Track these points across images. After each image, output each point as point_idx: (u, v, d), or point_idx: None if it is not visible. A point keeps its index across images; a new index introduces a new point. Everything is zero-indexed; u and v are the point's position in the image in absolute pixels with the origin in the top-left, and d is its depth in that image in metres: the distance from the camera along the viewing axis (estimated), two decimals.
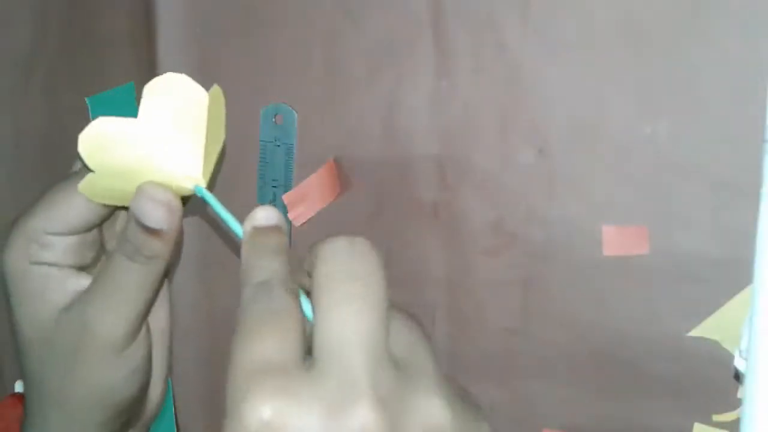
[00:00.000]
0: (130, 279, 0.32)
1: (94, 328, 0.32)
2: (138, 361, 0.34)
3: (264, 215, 0.27)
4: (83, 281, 0.33)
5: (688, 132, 0.37)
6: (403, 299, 0.45)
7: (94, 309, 0.32)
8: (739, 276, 0.36)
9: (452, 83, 0.42)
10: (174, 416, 0.51)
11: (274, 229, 0.27)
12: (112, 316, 0.32)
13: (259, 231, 0.27)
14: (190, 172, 0.30)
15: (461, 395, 0.23)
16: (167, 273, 0.34)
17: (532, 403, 0.41)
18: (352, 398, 0.20)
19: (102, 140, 0.29)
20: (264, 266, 0.25)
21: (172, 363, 0.51)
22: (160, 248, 0.31)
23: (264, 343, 0.22)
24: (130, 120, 0.29)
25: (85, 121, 0.29)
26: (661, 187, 0.38)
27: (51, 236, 0.33)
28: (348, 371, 0.21)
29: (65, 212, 0.32)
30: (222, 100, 0.32)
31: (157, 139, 0.29)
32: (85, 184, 0.31)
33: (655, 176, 0.38)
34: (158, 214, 0.30)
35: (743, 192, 0.36)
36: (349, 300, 0.22)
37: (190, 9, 0.49)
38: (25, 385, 0.35)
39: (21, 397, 0.51)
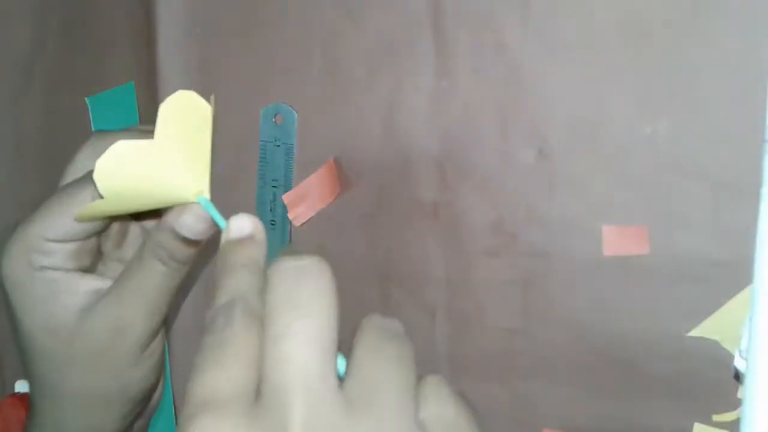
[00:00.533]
0: (163, 282, 0.33)
1: (127, 328, 0.33)
2: (158, 355, 0.35)
3: (236, 225, 0.26)
4: (93, 282, 0.34)
5: (688, 132, 0.37)
6: (403, 299, 0.45)
7: (126, 309, 0.33)
8: (739, 276, 0.36)
9: (452, 83, 0.42)
10: (174, 416, 0.51)
11: (247, 241, 0.26)
12: (143, 317, 0.33)
13: (230, 244, 0.26)
14: (198, 185, 0.31)
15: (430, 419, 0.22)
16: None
17: (532, 403, 0.41)
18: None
19: (118, 165, 0.29)
20: (229, 285, 0.25)
21: (173, 363, 0.51)
22: (192, 254, 0.33)
23: (213, 375, 0.21)
24: (146, 142, 0.30)
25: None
26: (661, 187, 0.38)
27: (51, 243, 0.33)
28: (283, 412, 0.20)
29: (65, 220, 0.33)
30: (212, 109, 0.33)
31: (170, 158, 0.30)
32: (87, 210, 0.31)
33: (655, 176, 0.38)
34: (200, 228, 0.31)
35: (743, 192, 0.36)
36: (289, 332, 0.21)
37: (190, 9, 0.49)
38: (35, 388, 0.35)
39: (21, 398, 0.51)
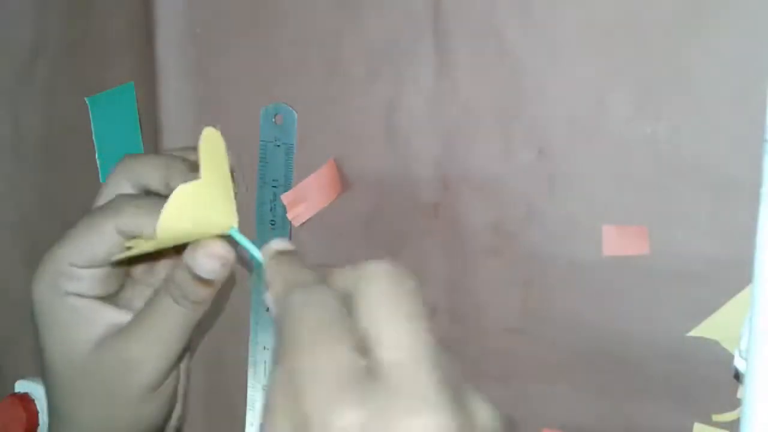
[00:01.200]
0: (176, 321, 0.33)
1: (137, 367, 0.33)
2: (170, 394, 0.35)
3: (282, 243, 0.29)
4: (113, 314, 0.34)
5: (688, 132, 0.37)
6: None
7: (138, 348, 0.33)
8: (739, 276, 0.36)
9: (452, 83, 0.42)
10: None
11: (295, 252, 0.29)
12: (155, 356, 0.33)
13: (283, 252, 0.28)
14: (228, 217, 0.32)
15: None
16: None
17: (532, 403, 0.41)
18: (434, 406, 0.21)
19: (179, 208, 0.30)
20: (301, 274, 0.26)
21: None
22: (207, 295, 0.33)
23: (337, 351, 0.22)
24: (200, 182, 0.30)
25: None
26: (661, 187, 0.38)
27: (78, 269, 0.33)
28: (421, 381, 0.22)
29: (94, 246, 0.33)
30: (221, 139, 0.33)
31: (211, 194, 0.31)
32: (127, 252, 0.32)
33: (655, 176, 0.38)
34: (212, 267, 0.31)
35: (743, 192, 0.36)
36: (404, 318, 0.23)
37: (190, 9, 0.49)
38: (52, 414, 0.35)
39: (21, 398, 0.51)
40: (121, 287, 0.35)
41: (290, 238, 0.47)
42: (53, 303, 0.33)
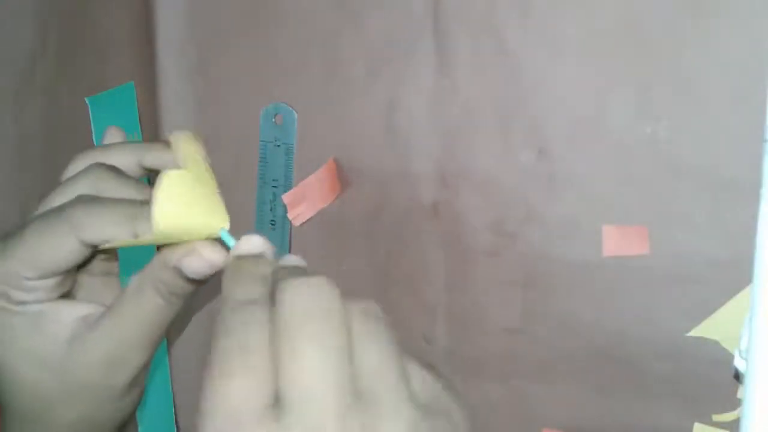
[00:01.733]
0: (161, 315, 0.32)
1: (122, 361, 0.32)
2: (143, 383, 0.34)
3: (250, 242, 0.29)
4: (80, 309, 0.33)
5: (688, 132, 0.37)
6: (403, 299, 0.45)
7: (123, 342, 0.32)
8: (739, 276, 0.36)
9: (452, 83, 0.42)
10: (174, 416, 0.51)
11: (259, 257, 0.28)
12: (140, 349, 0.32)
13: (243, 259, 0.28)
14: (219, 218, 0.31)
15: (434, 397, 0.24)
16: None
17: (532, 403, 0.41)
18: None
19: (171, 196, 0.29)
20: (242, 294, 0.26)
21: (172, 363, 0.51)
22: (194, 290, 0.32)
23: (243, 386, 0.22)
24: (185, 172, 0.30)
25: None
26: (661, 187, 0.38)
27: (34, 281, 0.31)
28: (314, 419, 0.21)
29: (52, 258, 0.31)
30: (194, 140, 0.33)
31: (198, 191, 0.30)
32: (115, 244, 0.31)
33: (655, 176, 0.38)
34: (204, 271, 0.31)
35: (743, 192, 0.36)
36: (310, 342, 0.22)
37: (190, 9, 0.49)
38: (13, 418, 0.33)
39: None
40: (73, 284, 0.34)
41: (290, 238, 0.47)
42: (9, 315, 0.31)
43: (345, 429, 0.21)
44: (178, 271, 0.31)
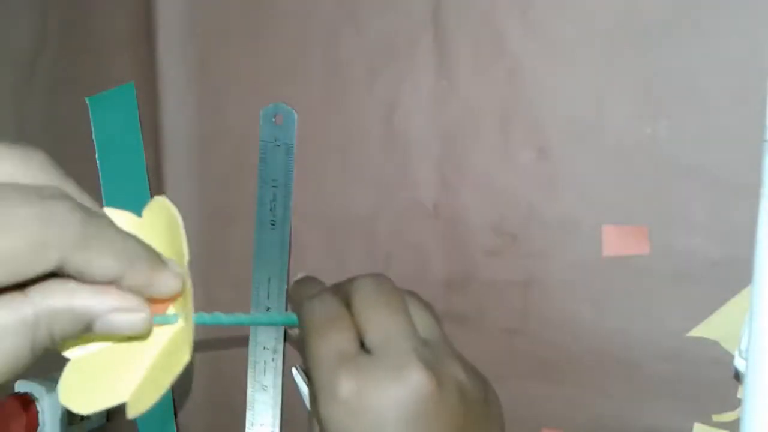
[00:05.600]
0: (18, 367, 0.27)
1: None
2: None
3: (300, 275, 0.38)
4: None
5: (688, 132, 0.37)
6: None
7: None
8: (739, 276, 0.36)
9: (452, 83, 0.42)
10: (174, 416, 0.51)
11: (309, 276, 0.37)
12: None
13: (300, 279, 0.37)
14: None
15: (468, 362, 0.32)
16: None
17: (532, 403, 0.41)
18: (407, 367, 0.28)
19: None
20: (314, 288, 0.34)
21: None
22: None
23: (337, 339, 0.30)
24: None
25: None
26: (661, 187, 0.38)
27: None
28: (398, 352, 0.29)
29: None
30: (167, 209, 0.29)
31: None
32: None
33: (655, 176, 0.38)
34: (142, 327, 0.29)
35: (743, 192, 0.36)
36: (385, 306, 0.30)
37: (190, 9, 0.49)
38: None
39: (21, 398, 0.51)
40: None
41: (290, 239, 0.47)
42: None
43: (418, 359, 0.29)
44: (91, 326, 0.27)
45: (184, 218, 0.28)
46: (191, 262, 0.28)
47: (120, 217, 0.29)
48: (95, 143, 0.53)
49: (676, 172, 0.38)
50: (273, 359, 0.48)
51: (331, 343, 0.30)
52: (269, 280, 0.48)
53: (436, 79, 0.42)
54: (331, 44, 0.45)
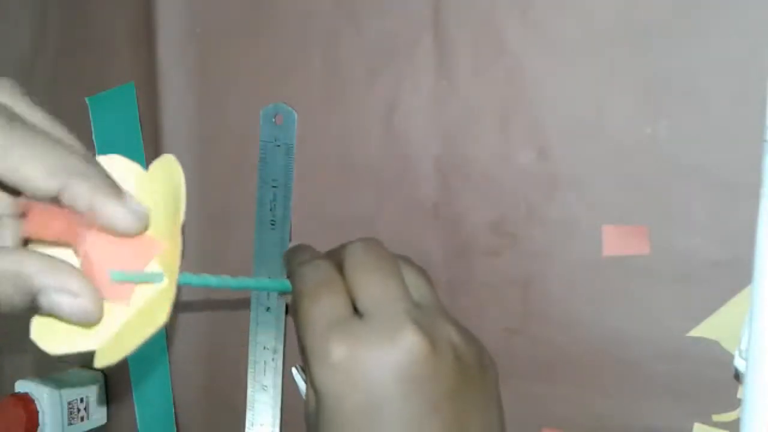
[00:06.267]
0: None
1: None
2: None
3: (295, 243, 0.38)
4: None
5: (688, 132, 0.37)
6: None
7: None
8: (739, 276, 0.36)
9: (452, 83, 0.42)
10: (174, 416, 0.51)
11: (304, 244, 0.37)
12: None
13: (294, 246, 0.37)
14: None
15: (462, 325, 0.32)
16: None
17: (532, 403, 0.41)
18: (401, 330, 0.28)
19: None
20: (306, 254, 0.34)
21: (172, 363, 0.51)
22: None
23: (328, 303, 0.29)
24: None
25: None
26: (661, 187, 0.38)
27: None
28: (391, 314, 0.29)
29: None
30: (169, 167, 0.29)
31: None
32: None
33: (655, 176, 0.38)
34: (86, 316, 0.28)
35: (743, 192, 0.36)
36: (376, 270, 0.30)
37: (190, 9, 0.49)
38: None
39: (21, 398, 0.51)
40: None
41: (290, 239, 0.47)
42: None
43: (412, 321, 0.28)
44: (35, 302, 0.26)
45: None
46: (186, 224, 0.28)
47: (122, 165, 0.29)
48: (95, 143, 0.53)
49: (676, 172, 0.38)
50: (273, 359, 0.48)
51: (323, 307, 0.29)
52: (269, 279, 0.48)
53: (436, 79, 0.42)
54: (331, 44, 0.45)
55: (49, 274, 0.26)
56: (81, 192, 0.26)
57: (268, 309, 0.48)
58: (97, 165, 0.27)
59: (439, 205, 0.43)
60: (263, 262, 0.48)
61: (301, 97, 0.46)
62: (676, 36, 0.37)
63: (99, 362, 0.27)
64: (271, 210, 0.47)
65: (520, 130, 0.41)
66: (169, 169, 0.28)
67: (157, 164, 0.29)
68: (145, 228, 0.28)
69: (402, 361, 0.28)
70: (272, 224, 0.47)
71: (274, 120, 0.47)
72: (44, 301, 0.26)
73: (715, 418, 0.38)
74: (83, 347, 0.28)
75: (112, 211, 0.26)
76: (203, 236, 0.50)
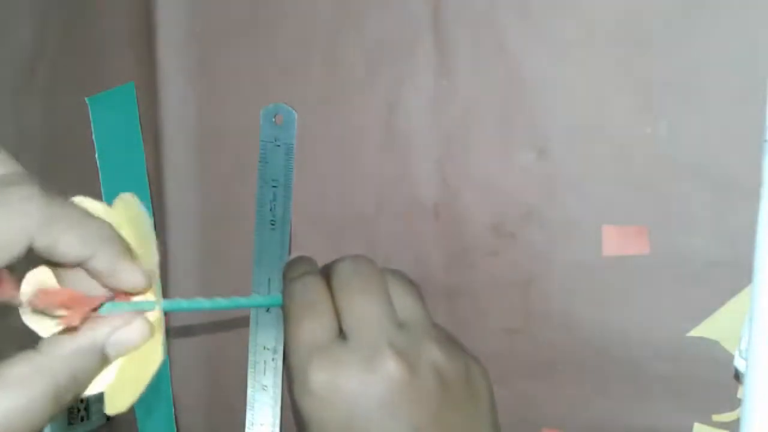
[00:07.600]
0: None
1: None
2: None
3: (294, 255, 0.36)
4: None
5: (688, 132, 0.37)
6: None
7: None
8: (739, 276, 0.36)
9: (452, 83, 0.42)
10: (174, 416, 0.51)
11: (304, 256, 0.35)
12: None
13: (294, 258, 0.35)
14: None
15: (451, 340, 0.31)
16: None
17: (532, 403, 0.41)
18: (379, 356, 0.28)
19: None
20: (300, 269, 0.33)
21: (172, 363, 0.51)
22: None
23: (311, 326, 0.29)
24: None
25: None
26: (661, 187, 0.38)
27: None
28: (370, 339, 0.29)
29: None
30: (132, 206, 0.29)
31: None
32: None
33: (655, 176, 0.38)
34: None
35: (743, 192, 0.36)
36: (360, 293, 0.30)
37: (190, 9, 0.49)
38: None
39: None
40: None
41: (290, 239, 0.47)
42: None
43: (394, 345, 0.28)
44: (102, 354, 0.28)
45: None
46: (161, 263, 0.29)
47: (91, 207, 0.29)
48: (95, 143, 0.53)
49: (676, 172, 0.38)
50: (273, 359, 0.48)
51: (306, 331, 0.29)
52: (269, 280, 0.48)
53: (436, 79, 0.42)
54: (331, 44, 0.45)
55: (98, 328, 0.28)
56: (108, 256, 0.28)
57: (268, 309, 0.48)
58: (113, 228, 0.28)
59: (439, 205, 0.43)
60: (263, 262, 0.48)
61: (301, 97, 0.46)
62: (676, 36, 0.37)
63: (110, 410, 0.28)
64: (271, 210, 0.47)
65: (520, 130, 0.41)
66: (131, 208, 0.29)
67: (117, 206, 0.30)
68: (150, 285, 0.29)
69: (380, 388, 0.28)
70: (272, 224, 0.47)
71: (274, 120, 0.47)
72: (112, 348, 0.28)
73: (715, 418, 0.38)
74: (90, 392, 0.28)
75: (130, 274, 0.28)
76: (203, 236, 0.50)
